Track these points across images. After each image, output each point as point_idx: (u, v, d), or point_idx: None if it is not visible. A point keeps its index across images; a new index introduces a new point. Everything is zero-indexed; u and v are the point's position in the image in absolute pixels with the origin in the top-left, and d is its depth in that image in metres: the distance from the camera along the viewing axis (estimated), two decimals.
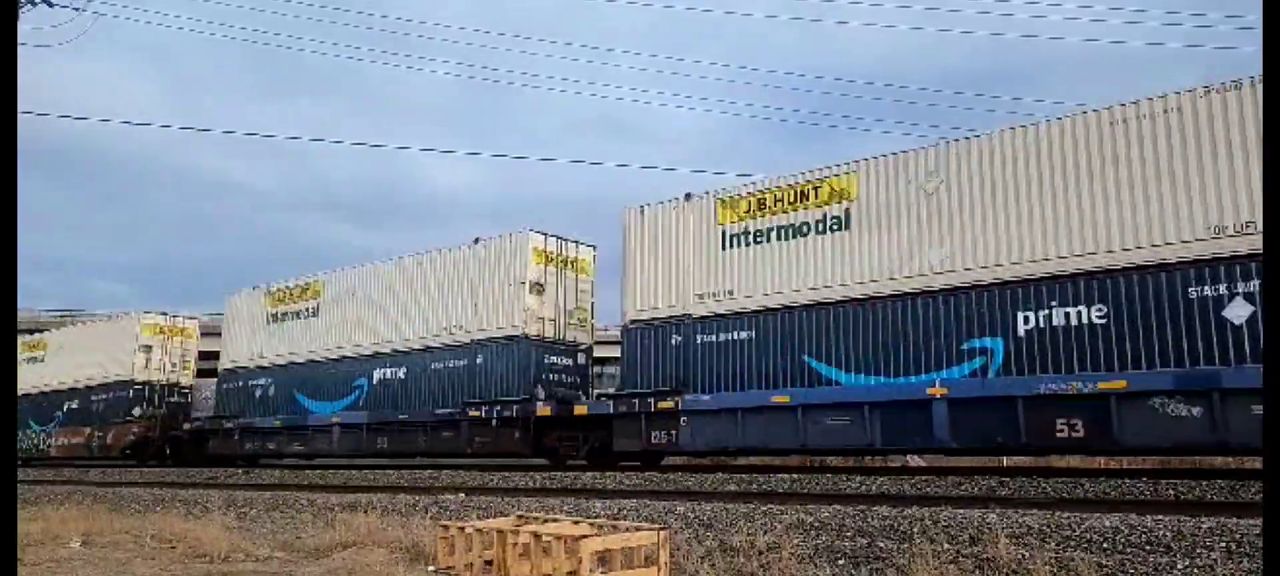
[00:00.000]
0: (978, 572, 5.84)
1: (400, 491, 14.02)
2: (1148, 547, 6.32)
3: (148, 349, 29.23)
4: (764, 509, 8.95)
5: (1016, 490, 10.64)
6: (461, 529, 6.90)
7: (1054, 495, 9.94)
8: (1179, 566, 5.65)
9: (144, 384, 28.89)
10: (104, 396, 29.37)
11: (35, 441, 31.59)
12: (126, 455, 28.16)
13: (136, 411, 28.45)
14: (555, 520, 7.08)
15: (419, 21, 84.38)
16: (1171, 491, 9.88)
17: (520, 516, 7.64)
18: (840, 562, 6.42)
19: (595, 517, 8.04)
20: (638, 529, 6.60)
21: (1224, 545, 6.07)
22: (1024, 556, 5.89)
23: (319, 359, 24.16)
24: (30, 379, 32.10)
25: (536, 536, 6.29)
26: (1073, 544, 6.56)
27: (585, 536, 6.11)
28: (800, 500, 9.92)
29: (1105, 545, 6.49)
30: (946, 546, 6.60)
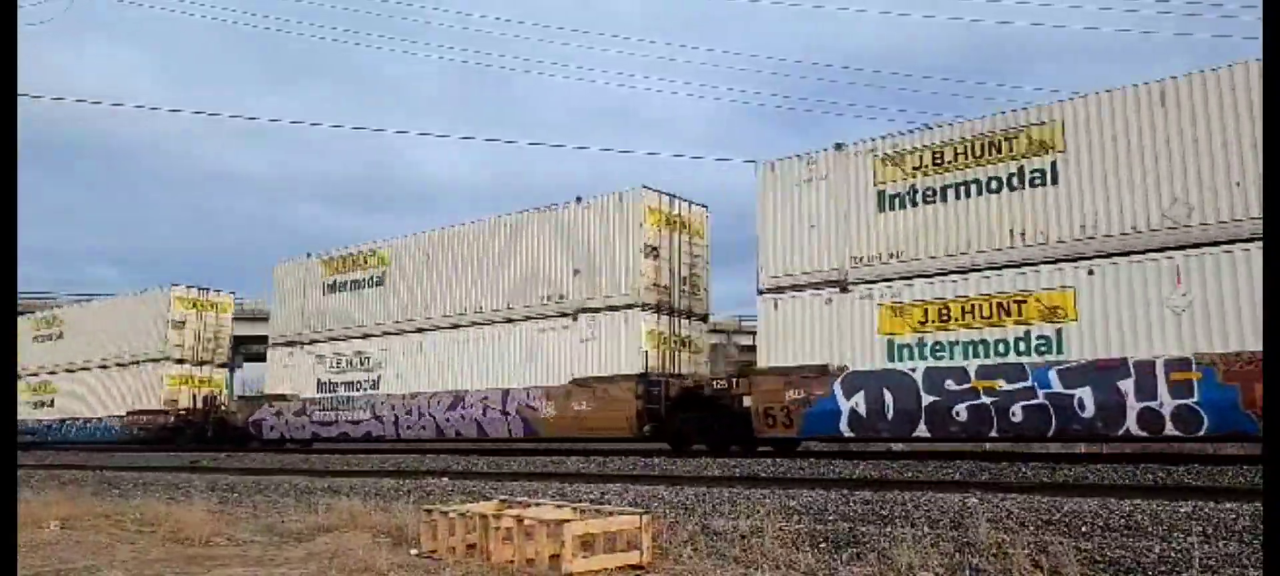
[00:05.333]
0: (958, 556, 5.88)
1: (384, 475, 13.99)
2: (1126, 531, 6.38)
3: None
4: (746, 493, 8.98)
5: (997, 475, 10.72)
6: (445, 513, 6.88)
7: (1034, 479, 10.02)
8: (1156, 550, 5.70)
9: None
10: None
11: None
12: None
13: None
14: (538, 504, 7.07)
15: (421, 5, 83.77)
16: (1150, 476, 9.98)
17: (503, 500, 7.64)
18: (821, 546, 6.45)
19: (578, 502, 8.05)
20: (620, 513, 6.61)
21: (1201, 529, 6.14)
22: (1004, 540, 5.93)
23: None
24: None
25: (519, 520, 6.29)
26: (1052, 527, 6.62)
27: (568, 520, 6.11)
28: (782, 484, 9.96)
29: (1084, 528, 6.56)
30: (927, 530, 6.65)
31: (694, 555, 6.27)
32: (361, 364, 22.55)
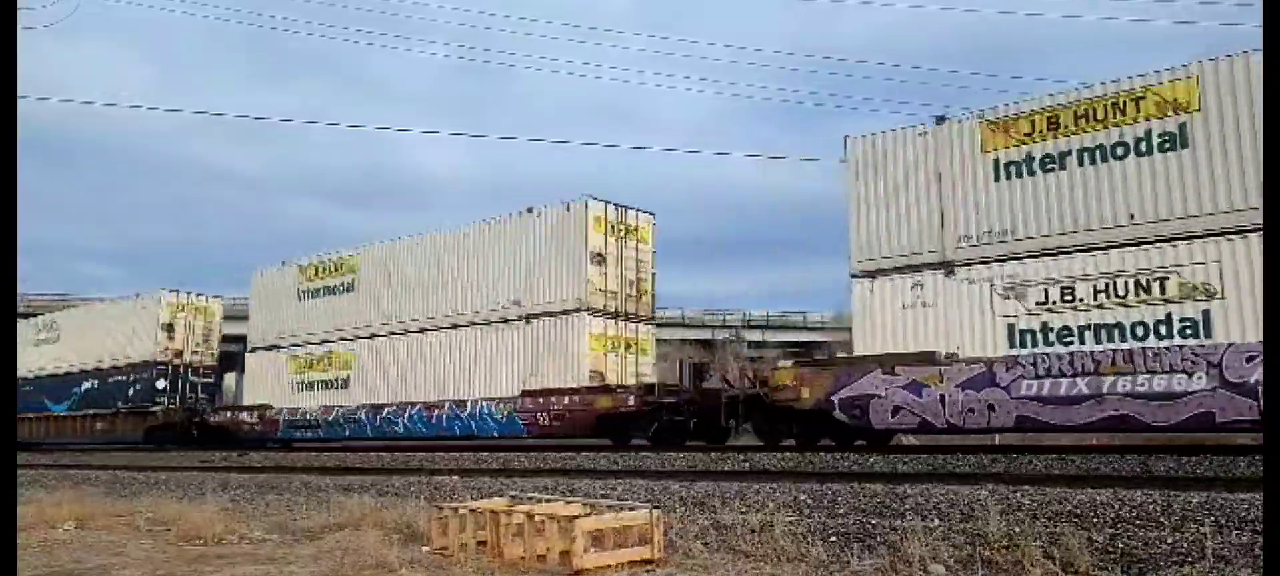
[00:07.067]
0: (969, 548, 5.87)
1: (395, 473, 14.04)
2: (1138, 522, 6.35)
3: None
4: (756, 487, 8.98)
5: (1008, 466, 10.70)
6: (455, 509, 6.90)
7: (1045, 471, 9.99)
8: (1169, 540, 5.68)
9: None
10: None
11: None
12: None
13: None
14: (549, 500, 7.08)
15: (414, 1, 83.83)
16: (1162, 467, 9.95)
17: (514, 497, 7.65)
18: (832, 540, 6.44)
19: (589, 498, 8.06)
20: (631, 508, 6.61)
21: (1213, 519, 6.11)
22: (1015, 532, 5.92)
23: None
24: None
25: (530, 516, 6.30)
26: (1064, 519, 6.60)
27: (579, 516, 6.12)
28: (793, 478, 9.95)
29: (1096, 520, 6.53)
30: (938, 523, 6.63)
31: (705, 549, 6.28)
32: (1147, 290, 12.56)
